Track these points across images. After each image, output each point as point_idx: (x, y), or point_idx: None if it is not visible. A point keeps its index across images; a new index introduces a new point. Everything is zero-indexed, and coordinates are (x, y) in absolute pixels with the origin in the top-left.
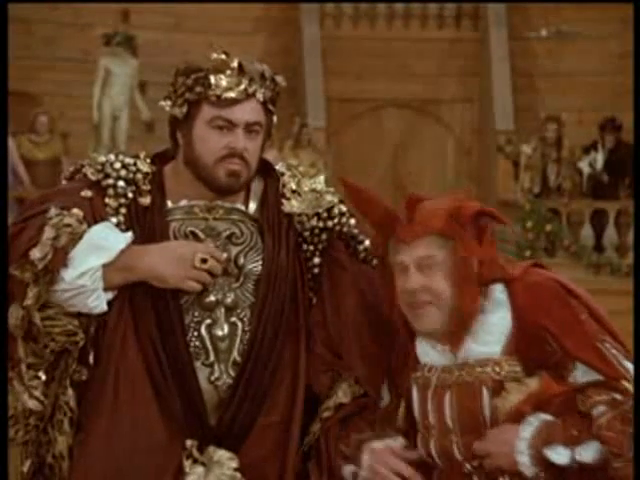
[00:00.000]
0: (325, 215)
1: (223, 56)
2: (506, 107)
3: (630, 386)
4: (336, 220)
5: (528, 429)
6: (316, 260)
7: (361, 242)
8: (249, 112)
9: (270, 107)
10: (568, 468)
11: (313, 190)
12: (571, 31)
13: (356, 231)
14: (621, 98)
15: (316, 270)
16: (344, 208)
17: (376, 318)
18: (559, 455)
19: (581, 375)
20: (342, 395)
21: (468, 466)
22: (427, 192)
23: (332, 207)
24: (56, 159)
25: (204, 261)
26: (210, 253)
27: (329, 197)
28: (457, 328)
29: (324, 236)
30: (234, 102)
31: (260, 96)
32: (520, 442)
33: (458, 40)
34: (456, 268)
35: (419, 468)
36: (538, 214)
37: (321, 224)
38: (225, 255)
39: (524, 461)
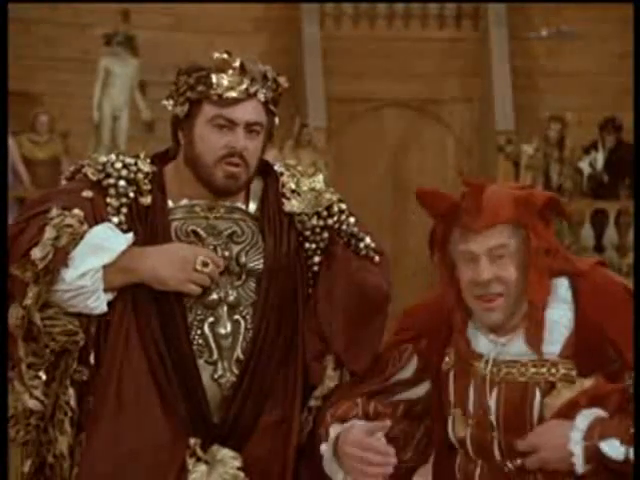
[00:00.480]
0: (325, 214)
1: (225, 56)
2: (506, 107)
3: None
4: (336, 218)
5: (584, 421)
6: (317, 259)
7: (361, 239)
8: (250, 112)
9: (272, 108)
10: (616, 474)
11: (312, 189)
12: (571, 31)
13: (356, 229)
14: (621, 98)
15: (316, 268)
16: (343, 206)
17: (365, 303)
18: (615, 450)
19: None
20: (329, 382)
21: (510, 465)
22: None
23: (331, 205)
24: (56, 159)
25: (205, 265)
26: (211, 258)
27: (328, 195)
28: (534, 322)
29: (325, 234)
30: (235, 101)
31: (261, 96)
32: (576, 433)
33: (458, 40)
34: (529, 257)
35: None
36: None
37: (321, 223)
38: (222, 261)
39: (578, 453)
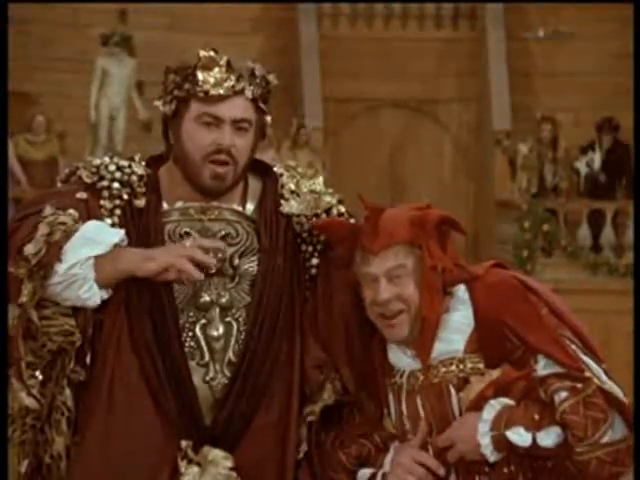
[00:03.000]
0: (324, 216)
1: (212, 53)
2: (503, 107)
3: (590, 375)
4: None
5: (490, 411)
6: (314, 261)
7: None
8: (236, 108)
9: (261, 105)
10: (529, 457)
11: (312, 191)
12: (568, 31)
13: None
14: (618, 98)
15: (314, 271)
16: (343, 209)
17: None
18: (521, 437)
19: (542, 368)
20: (327, 397)
21: (441, 471)
22: (425, 192)
23: (331, 208)
24: (53, 159)
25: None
26: (206, 245)
27: (328, 198)
28: (425, 336)
29: (322, 237)
30: (221, 98)
31: (249, 93)
32: (482, 424)
33: (456, 40)
34: (424, 276)
35: None
36: (535, 214)
37: None
38: (222, 244)
39: (486, 443)
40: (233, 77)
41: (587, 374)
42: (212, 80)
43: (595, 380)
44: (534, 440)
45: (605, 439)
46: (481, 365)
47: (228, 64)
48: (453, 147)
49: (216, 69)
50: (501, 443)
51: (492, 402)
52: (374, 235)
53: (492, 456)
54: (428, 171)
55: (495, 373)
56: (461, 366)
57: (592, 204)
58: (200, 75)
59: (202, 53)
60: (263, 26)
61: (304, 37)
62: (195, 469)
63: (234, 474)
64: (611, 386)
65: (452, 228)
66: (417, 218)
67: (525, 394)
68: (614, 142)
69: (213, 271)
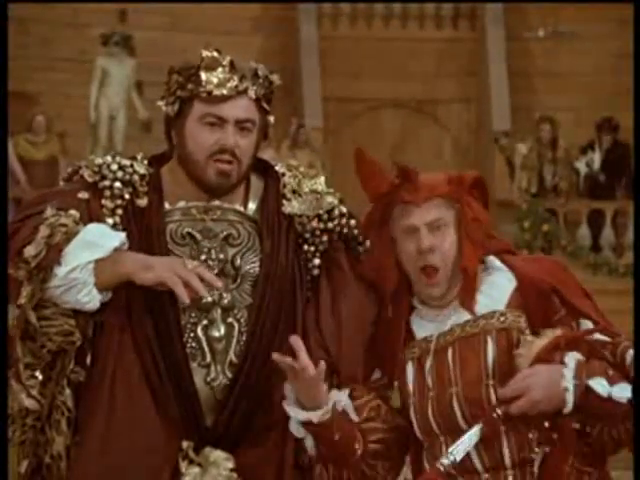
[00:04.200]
0: (326, 217)
1: (215, 54)
2: (503, 107)
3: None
4: (336, 221)
5: (572, 360)
6: (316, 261)
7: (362, 243)
8: (240, 109)
9: (264, 105)
10: (600, 408)
11: (314, 191)
12: (568, 31)
13: (356, 232)
14: (618, 98)
15: (316, 271)
16: (344, 209)
17: (370, 320)
18: (603, 387)
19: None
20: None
21: (465, 425)
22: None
23: (333, 208)
24: (53, 159)
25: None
26: (209, 276)
27: (330, 198)
28: (467, 286)
29: (325, 237)
30: (224, 99)
31: (252, 93)
32: (567, 371)
33: (455, 40)
34: (465, 228)
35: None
36: (535, 214)
37: (322, 225)
38: (220, 284)
39: (571, 389)
40: (236, 77)
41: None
42: (215, 80)
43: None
44: (609, 395)
45: None
46: (522, 320)
47: (231, 64)
48: (453, 147)
49: (219, 69)
50: (582, 392)
51: (569, 355)
52: (415, 189)
53: (570, 404)
54: (428, 171)
55: (557, 331)
56: (502, 318)
57: (592, 204)
58: (203, 75)
59: (205, 53)
60: (263, 26)
61: (304, 37)
62: (196, 470)
63: (235, 475)
64: None
65: (483, 190)
66: (454, 177)
67: (591, 352)
68: (614, 142)
69: (206, 299)
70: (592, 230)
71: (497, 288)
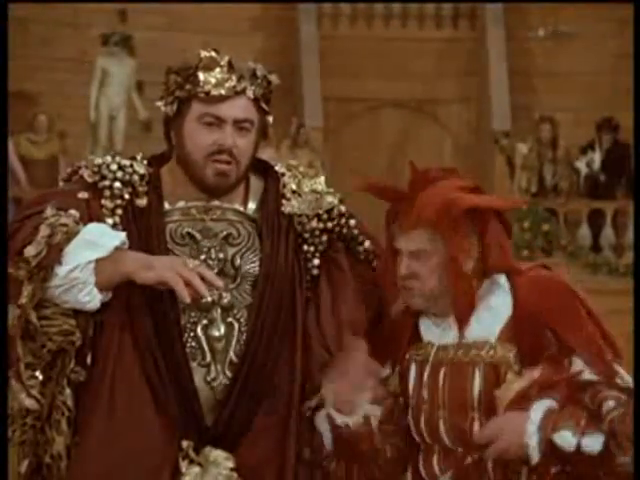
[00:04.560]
0: (325, 216)
1: (213, 54)
2: (503, 107)
3: (625, 384)
4: (336, 221)
5: (538, 412)
6: (316, 261)
7: (361, 243)
8: (238, 109)
9: (263, 105)
10: (569, 459)
11: (313, 191)
12: (568, 31)
13: (356, 232)
14: (618, 98)
15: (315, 271)
16: (344, 209)
17: (370, 319)
18: (567, 441)
19: (582, 370)
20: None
21: (459, 449)
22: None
23: (332, 208)
24: (54, 158)
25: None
26: (208, 275)
27: (329, 198)
28: (461, 315)
29: (324, 237)
30: (222, 99)
31: (250, 93)
32: (530, 425)
33: (456, 40)
34: (446, 264)
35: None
36: (535, 214)
37: (321, 225)
38: (221, 283)
39: (534, 444)
40: (234, 77)
41: (619, 382)
42: (213, 80)
43: (626, 386)
44: (578, 445)
45: None
46: (511, 355)
47: (229, 64)
48: (453, 147)
49: (217, 69)
50: (547, 445)
51: (538, 404)
52: (408, 212)
53: (536, 457)
54: None
55: (535, 373)
56: (492, 352)
57: (592, 204)
58: (201, 75)
59: (203, 53)
60: (263, 26)
61: (304, 37)
62: (196, 469)
63: (235, 475)
64: None
65: (488, 211)
66: (447, 203)
67: (567, 399)
68: (614, 142)
69: (206, 299)
70: (592, 230)
71: (492, 314)
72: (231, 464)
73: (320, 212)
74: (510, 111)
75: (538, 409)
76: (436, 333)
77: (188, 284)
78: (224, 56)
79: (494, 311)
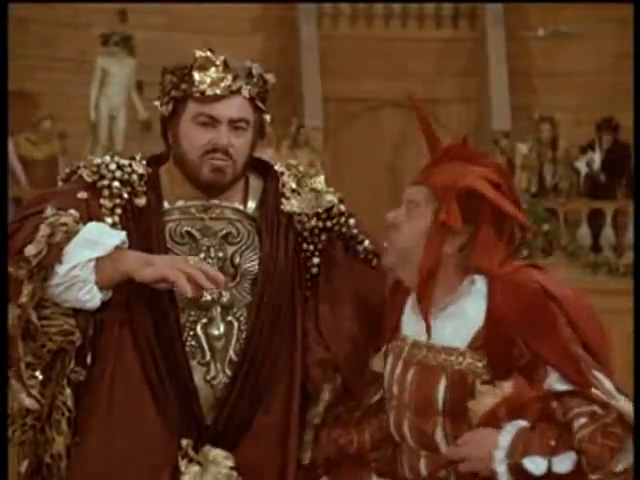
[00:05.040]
0: (325, 215)
1: (208, 53)
2: (503, 107)
3: (601, 395)
4: (335, 220)
5: (506, 437)
6: (315, 260)
7: (361, 242)
8: (233, 108)
9: (259, 104)
10: (541, 478)
11: (313, 190)
12: (569, 31)
13: (356, 231)
14: (618, 98)
15: (315, 270)
16: (343, 208)
17: (369, 318)
18: (536, 465)
19: (556, 381)
20: (328, 396)
21: (422, 452)
22: None
23: (332, 207)
24: (53, 159)
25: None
26: (210, 271)
27: (329, 197)
28: (420, 289)
29: (323, 236)
30: (217, 98)
31: (246, 92)
32: (498, 452)
33: (455, 40)
34: (430, 227)
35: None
36: (535, 214)
37: (320, 224)
38: (223, 279)
39: (502, 471)
40: (230, 77)
41: (597, 392)
42: (208, 80)
43: (613, 404)
44: (549, 466)
45: (619, 467)
46: (480, 364)
47: (225, 64)
48: None
49: (212, 69)
50: (516, 470)
51: (508, 427)
52: (426, 167)
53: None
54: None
55: (506, 386)
56: (460, 359)
57: (592, 204)
58: (196, 75)
59: (198, 53)
60: (263, 26)
61: (304, 37)
62: (196, 468)
63: (235, 473)
64: (626, 408)
65: (485, 212)
66: (454, 180)
67: (540, 415)
68: (614, 142)
69: (206, 298)
70: (592, 230)
71: (464, 320)
72: (231, 463)
73: (319, 211)
74: (510, 111)
75: (507, 433)
76: (414, 327)
77: (190, 280)
78: (219, 56)
79: (468, 317)
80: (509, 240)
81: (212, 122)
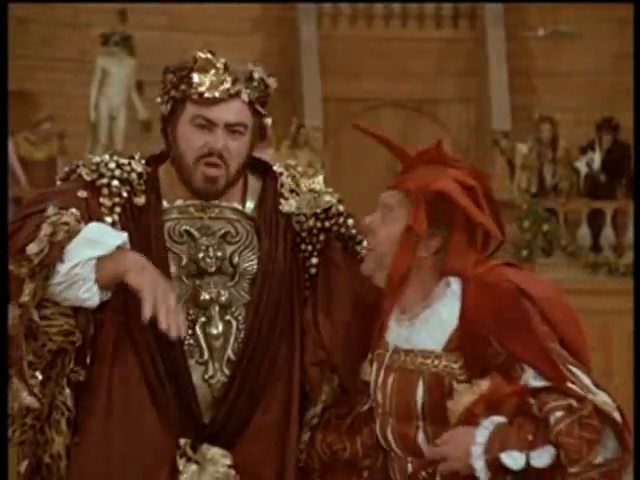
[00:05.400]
0: (323, 215)
1: (209, 55)
2: (503, 107)
3: (577, 389)
4: (334, 220)
5: (483, 433)
6: (314, 260)
7: (359, 242)
8: (231, 112)
9: (258, 108)
10: (520, 473)
11: (311, 190)
12: (568, 31)
13: (354, 231)
14: (618, 98)
15: (313, 270)
16: (342, 208)
17: (366, 319)
18: (514, 460)
19: (532, 378)
20: (325, 397)
21: (409, 459)
22: None
23: (330, 207)
24: (53, 159)
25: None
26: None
27: (327, 197)
28: (388, 292)
29: (322, 237)
30: (216, 101)
31: (245, 96)
32: (476, 447)
33: (455, 40)
34: (402, 232)
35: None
36: (535, 214)
37: (319, 224)
38: (184, 333)
39: (480, 467)
40: (229, 80)
41: (572, 386)
42: (207, 82)
43: (590, 397)
44: (527, 460)
45: (598, 459)
46: (456, 365)
47: (225, 66)
48: (453, 147)
49: (212, 71)
50: (495, 465)
51: (485, 423)
52: (401, 174)
53: (484, 477)
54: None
55: (483, 384)
56: (436, 362)
57: (592, 204)
58: (196, 77)
59: (199, 54)
60: (263, 26)
61: (304, 37)
62: (194, 467)
63: (233, 472)
64: (604, 401)
65: (450, 202)
66: (426, 183)
67: (517, 410)
68: (614, 142)
69: (205, 297)
70: (592, 230)
71: (441, 325)
72: (229, 462)
73: (318, 211)
74: (510, 111)
75: (484, 429)
76: (395, 334)
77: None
78: (220, 58)
79: (442, 319)
80: (484, 243)
81: (209, 125)
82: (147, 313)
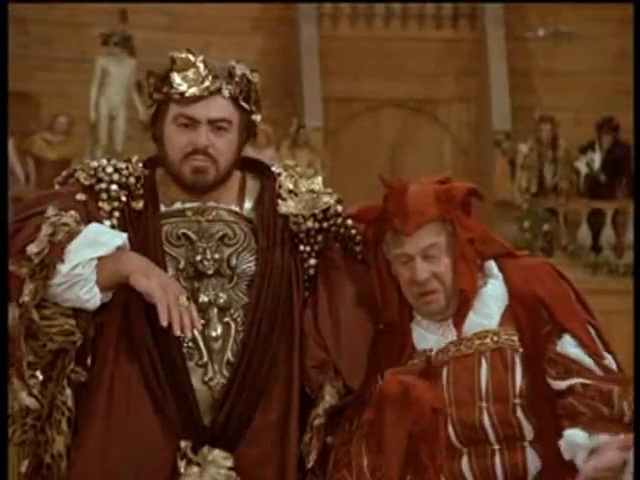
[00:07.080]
0: (321, 216)
1: (187, 55)
2: (503, 107)
3: (611, 365)
4: (332, 221)
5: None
6: (312, 261)
7: (358, 243)
8: (212, 108)
9: (243, 104)
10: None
11: (310, 191)
12: (568, 31)
13: (353, 232)
14: (618, 98)
15: (312, 271)
16: (341, 209)
17: (367, 319)
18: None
19: (567, 345)
20: (329, 398)
21: (459, 445)
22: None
23: (328, 208)
24: (66, 161)
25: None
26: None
27: (326, 198)
28: (461, 307)
29: (320, 237)
30: (196, 99)
31: (226, 92)
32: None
33: (455, 40)
34: (458, 249)
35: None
36: (535, 214)
37: (317, 225)
38: (200, 327)
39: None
40: (209, 77)
41: (606, 363)
42: (187, 82)
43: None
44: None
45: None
46: (515, 337)
47: (204, 64)
48: (453, 147)
49: (192, 70)
50: None
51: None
52: (405, 215)
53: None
54: (428, 171)
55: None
56: (495, 338)
57: (592, 204)
58: (176, 77)
59: (177, 55)
60: (263, 26)
61: (304, 37)
62: (195, 469)
63: (234, 474)
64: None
65: (477, 198)
66: (443, 193)
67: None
68: (614, 142)
69: (203, 299)
70: (592, 230)
71: (490, 304)
72: (229, 463)
73: (316, 212)
74: (510, 111)
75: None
76: (432, 340)
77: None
78: (198, 56)
79: (491, 300)
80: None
81: (192, 123)
82: (164, 320)
